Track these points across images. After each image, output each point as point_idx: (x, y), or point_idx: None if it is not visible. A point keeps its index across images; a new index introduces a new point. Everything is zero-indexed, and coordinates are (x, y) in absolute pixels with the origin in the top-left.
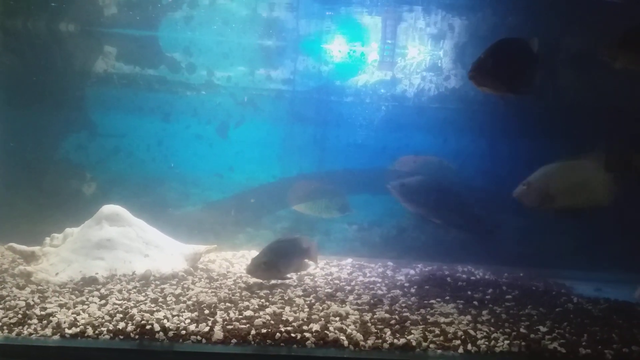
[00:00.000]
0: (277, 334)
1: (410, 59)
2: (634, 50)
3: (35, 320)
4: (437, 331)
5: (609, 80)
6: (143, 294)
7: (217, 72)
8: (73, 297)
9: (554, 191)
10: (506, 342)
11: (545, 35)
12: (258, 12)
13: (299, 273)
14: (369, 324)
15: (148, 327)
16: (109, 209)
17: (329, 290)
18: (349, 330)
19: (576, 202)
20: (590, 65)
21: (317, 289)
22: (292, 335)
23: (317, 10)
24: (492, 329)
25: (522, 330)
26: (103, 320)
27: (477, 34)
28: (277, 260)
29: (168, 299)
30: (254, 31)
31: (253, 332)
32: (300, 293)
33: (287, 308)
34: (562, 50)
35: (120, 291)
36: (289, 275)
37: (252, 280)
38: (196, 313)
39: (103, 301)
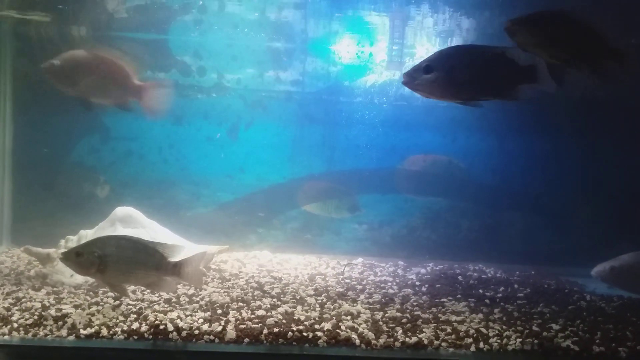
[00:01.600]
0: (289, 333)
1: (419, 59)
2: (532, 32)
3: (50, 322)
4: (448, 329)
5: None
6: (156, 294)
7: (227, 75)
8: (88, 298)
9: None
10: (518, 340)
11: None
12: (266, 15)
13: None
14: (381, 323)
15: (162, 327)
16: (122, 210)
17: (340, 290)
18: (360, 329)
19: None
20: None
21: (329, 288)
22: (304, 334)
23: (325, 11)
24: (504, 327)
25: (534, 328)
26: (117, 321)
27: (485, 32)
28: (104, 259)
29: (181, 299)
30: (263, 33)
31: (265, 331)
32: (312, 292)
33: (299, 307)
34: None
35: (133, 292)
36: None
37: (264, 280)
38: (209, 313)
39: (117, 302)
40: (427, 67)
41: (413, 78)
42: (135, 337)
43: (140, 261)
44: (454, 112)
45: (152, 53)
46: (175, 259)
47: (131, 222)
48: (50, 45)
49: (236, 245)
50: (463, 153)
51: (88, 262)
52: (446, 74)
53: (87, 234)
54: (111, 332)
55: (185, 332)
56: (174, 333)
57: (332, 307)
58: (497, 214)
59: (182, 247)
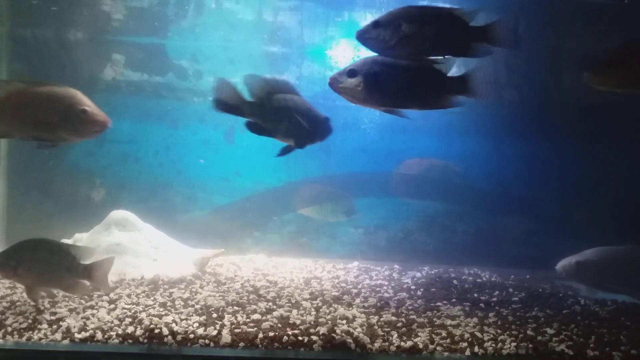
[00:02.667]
0: (285, 337)
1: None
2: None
3: (45, 325)
4: (443, 334)
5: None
6: (152, 298)
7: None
8: (82, 301)
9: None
10: (513, 344)
11: (549, 37)
12: (263, 19)
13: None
14: (376, 327)
15: (157, 331)
16: (118, 214)
17: (336, 294)
18: (356, 333)
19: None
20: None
21: (324, 292)
22: (300, 338)
23: (322, 15)
24: (499, 331)
25: (529, 332)
26: (112, 325)
27: None
28: (20, 262)
29: (176, 303)
30: (260, 37)
31: (260, 335)
32: (307, 296)
33: (294, 311)
34: (566, 52)
35: (129, 295)
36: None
37: (260, 283)
38: (204, 317)
39: (112, 305)
40: (351, 71)
41: (337, 81)
42: (130, 341)
43: (54, 263)
44: (450, 116)
45: (148, 57)
46: (86, 261)
47: (127, 225)
48: (46, 49)
49: (232, 248)
50: (459, 157)
51: (5, 265)
52: (369, 80)
53: (83, 237)
54: (106, 336)
55: (180, 336)
56: (169, 337)
57: (327, 311)
58: (493, 218)
59: (94, 249)
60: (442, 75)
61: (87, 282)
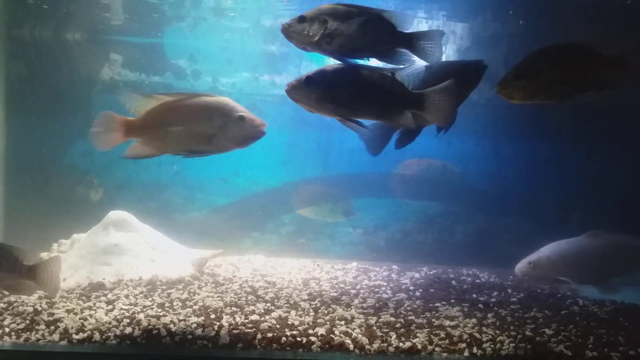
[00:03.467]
0: (283, 338)
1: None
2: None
3: (42, 326)
4: (442, 334)
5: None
6: (150, 299)
7: (222, 79)
8: (80, 302)
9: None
10: (512, 345)
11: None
12: (261, 20)
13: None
14: (375, 328)
15: (155, 331)
16: (115, 214)
17: (334, 294)
18: (354, 334)
19: None
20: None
21: (323, 292)
22: (298, 339)
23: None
24: (497, 332)
25: (527, 333)
26: (110, 326)
27: (479, 36)
28: None
29: (174, 303)
30: (258, 38)
31: (259, 336)
32: (306, 297)
33: (293, 312)
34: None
35: (127, 296)
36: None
37: (258, 284)
38: (202, 317)
39: (110, 306)
40: (307, 78)
41: (294, 88)
42: (128, 342)
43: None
44: None
45: (147, 56)
46: (30, 262)
47: (124, 226)
48: (44, 49)
49: (230, 249)
50: (458, 157)
51: None
52: (324, 89)
53: (80, 238)
54: (104, 337)
55: (179, 336)
56: (167, 338)
57: (326, 311)
58: (492, 219)
59: (39, 251)
60: (401, 89)
61: (32, 283)
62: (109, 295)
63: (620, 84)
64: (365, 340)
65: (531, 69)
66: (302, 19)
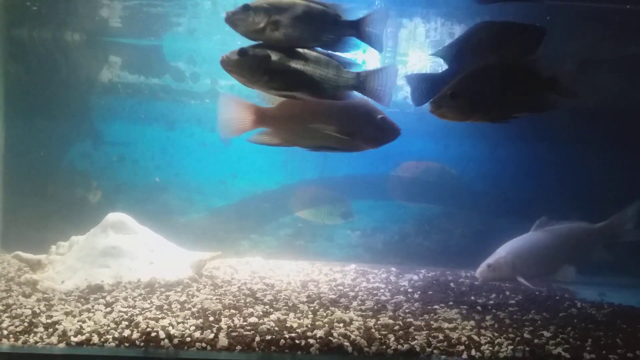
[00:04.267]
0: (282, 340)
1: (412, 66)
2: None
3: (41, 329)
4: (440, 337)
5: (611, 83)
6: (148, 301)
7: (220, 81)
8: (79, 304)
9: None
10: (510, 347)
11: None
12: None
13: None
14: (373, 330)
15: (153, 334)
16: (114, 217)
17: (333, 296)
18: (352, 336)
19: None
20: (592, 70)
21: (321, 295)
22: (297, 341)
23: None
24: (495, 334)
25: (525, 335)
26: (109, 328)
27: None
28: None
29: (173, 306)
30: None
31: (257, 338)
32: (304, 299)
33: (291, 314)
34: (565, 56)
35: (125, 299)
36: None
37: (256, 286)
38: (201, 320)
39: (109, 309)
40: (240, 50)
41: (228, 60)
42: (127, 345)
43: None
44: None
45: (145, 59)
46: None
47: (123, 228)
48: (43, 50)
49: (229, 251)
50: (455, 160)
51: None
52: (259, 61)
53: (79, 240)
54: (102, 339)
55: (177, 339)
56: (166, 340)
57: (324, 314)
58: (490, 221)
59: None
60: (337, 70)
61: None
62: (108, 298)
63: (553, 106)
64: (363, 342)
65: (467, 89)
66: (246, 7)
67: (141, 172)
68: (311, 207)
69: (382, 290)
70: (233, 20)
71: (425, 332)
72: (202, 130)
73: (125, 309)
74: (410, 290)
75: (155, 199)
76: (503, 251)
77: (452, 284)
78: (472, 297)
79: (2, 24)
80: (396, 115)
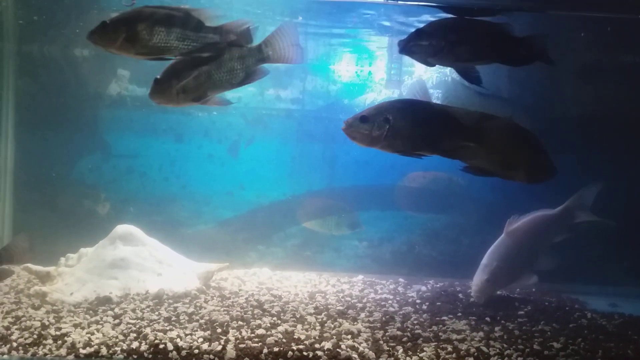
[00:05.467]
0: (289, 352)
1: (417, 77)
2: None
3: (50, 341)
4: (449, 348)
5: (616, 92)
6: (156, 313)
7: (227, 93)
8: (87, 316)
9: None
10: (519, 358)
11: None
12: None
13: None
14: (381, 342)
15: (161, 346)
16: (122, 228)
17: (341, 308)
18: (361, 348)
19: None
20: (597, 78)
21: (329, 306)
22: (304, 353)
23: (325, 31)
24: (505, 345)
25: (535, 346)
26: (117, 340)
27: None
28: None
29: (181, 317)
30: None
31: (265, 350)
32: (312, 311)
33: (299, 326)
34: (567, 63)
35: (134, 310)
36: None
37: (264, 298)
38: (209, 332)
39: (117, 321)
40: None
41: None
42: (135, 357)
43: None
44: None
45: (153, 72)
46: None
47: (131, 240)
48: (53, 65)
49: (236, 262)
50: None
51: None
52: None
53: (88, 252)
54: (110, 352)
55: (185, 351)
56: (174, 352)
57: (332, 325)
58: (498, 231)
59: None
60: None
61: None
62: (116, 310)
63: (472, 156)
64: (372, 354)
65: (383, 121)
66: (103, 25)
67: (149, 184)
68: (318, 218)
69: (390, 302)
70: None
71: (434, 343)
72: (210, 142)
73: (133, 321)
74: (418, 301)
75: (163, 210)
76: (493, 261)
77: (460, 295)
78: (481, 308)
79: (13, 40)
80: None
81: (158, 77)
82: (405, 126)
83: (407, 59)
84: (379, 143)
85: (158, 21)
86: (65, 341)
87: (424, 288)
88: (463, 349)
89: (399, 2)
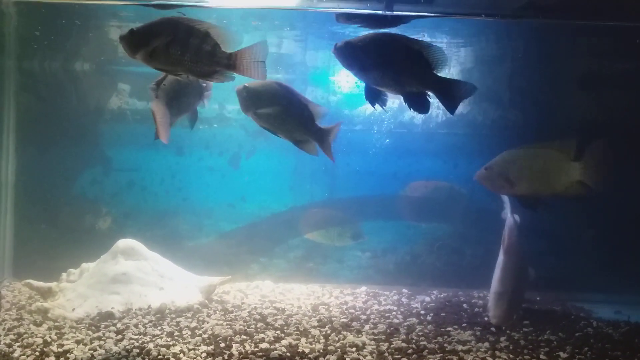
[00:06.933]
0: None
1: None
2: None
3: (52, 358)
4: (455, 359)
5: (619, 99)
6: (159, 327)
7: (228, 106)
8: (90, 332)
9: (515, 176)
10: None
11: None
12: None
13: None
14: (386, 354)
15: None
16: (124, 243)
17: (345, 320)
18: None
19: (537, 190)
20: (600, 87)
21: (332, 318)
22: None
23: (325, 43)
24: (511, 355)
25: (542, 356)
26: (120, 356)
27: (482, 59)
28: None
29: (184, 332)
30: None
31: None
32: (316, 323)
33: (303, 339)
34: (568, 72)
35: (136, 325)
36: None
37: (267, 311)
38: (212, 346)
39: (119, 336)
40: None
41: None
42: None
43: None
44: (454, 138)
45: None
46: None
47: (133, 254)
48: (53, 80)
49: (238, 275)
50: (465, 179)
51: None
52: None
53: (89, 267)
54: None
55: None
56: None
57: (336, 338)
58: (500, 240)
59: None
60: (214, 47)
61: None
62: (118, 325)
63: None
64: None
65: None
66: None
67: (150, 198)
68: (321, 229)
69: (394, 313)
70: (122, 44)
71: (439, 355)
72: (211, 154)
73: (136, 337)
74: (422, 312)
75: (165, 224)
76: (507, 287)
77: (465, 305)
78: (486, 318)
79: (14, 56)
80: (404, 136)
81: (134, 29)
82: None
83: None
84: None
85: (177, 39)
86: (68, 358)
87: (428, 299)
88: None
89: (395, 12)
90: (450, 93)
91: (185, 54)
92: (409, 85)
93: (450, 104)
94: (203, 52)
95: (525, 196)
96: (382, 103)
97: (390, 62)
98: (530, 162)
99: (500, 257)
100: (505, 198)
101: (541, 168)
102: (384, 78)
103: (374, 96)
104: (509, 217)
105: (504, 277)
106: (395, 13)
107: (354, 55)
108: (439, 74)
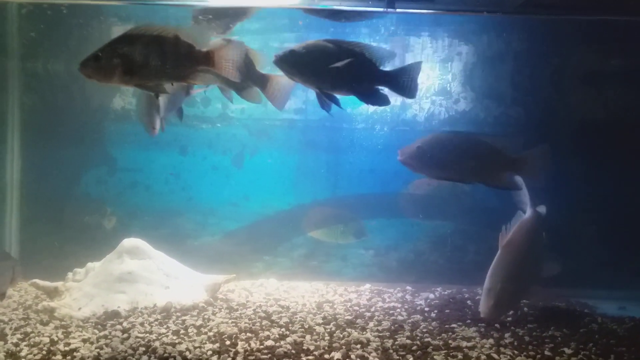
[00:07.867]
0: None
1: (420, 84)
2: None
3: (59, 356)
4: (459, 356)
5: (620, 97)
6: (165, 326)
7: (231, 105)
8: (96, 331)
9: (447, 159)
10: None
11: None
12: (270, 45)
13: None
14: (391, 351)
15: (171, 359)
16: (129, 242)
17: (349, 317)
18: (370, 358)
19: (466, 176)
20: (601, 84)
21: (337, 316)
22: None
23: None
24: (515, 352)
25: (546, 352)
26: (126, 355)
27: (484, 56)
28: None
29: (189, 330)
30: (265, 65)
31: None
32: (320, 321)
33: (308, 337)
34: (570, 70)
35: (142, 324)
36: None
37: (272, 309)
38: (218, 344)
39: (125, 335)
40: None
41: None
42: None
43: None
44: None
45: None
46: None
47: (138, 253)
48: (57, 81)
49: (243, 273)
50: None
51: None
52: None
53: (95, 266)
54: None
55: None
56: None
57: (341, 335)
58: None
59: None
60: (189, 48)
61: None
62: (124, 324)
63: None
64: None
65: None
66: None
67: (155, 197)
68: (324, 227)
69: (398, 310)
70: (86, 72)
71: (444, 351)
72: (214, 153)
73: (142, 335)
74: (427, 309)
75: (169, 223)
76: (496, 283)
77: (469, 302)
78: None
79: (18, 57)
80: (407, 134)
81: (98, 53)
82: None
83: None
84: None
85: (151, 49)
86: (75, 357)
87: (431, 295)
88: (473, 356)
89: (398, 10)
90: (400, 81)
91: (166, 62)
92: (359, 86)
93: (405, 91)
94: (181, 55)
95: (451, 180)
96: (336, 103)
97: (336, 68)
98: (466, 147)
99: (499, 252)
100: (525, 191)
101: (475, 154)
102: (335, 82)
103: (326, 102)
104: (530, 210)
105: (494, 272)
106: (398, 11)
107: (299, 63)
108: (384, 69)
